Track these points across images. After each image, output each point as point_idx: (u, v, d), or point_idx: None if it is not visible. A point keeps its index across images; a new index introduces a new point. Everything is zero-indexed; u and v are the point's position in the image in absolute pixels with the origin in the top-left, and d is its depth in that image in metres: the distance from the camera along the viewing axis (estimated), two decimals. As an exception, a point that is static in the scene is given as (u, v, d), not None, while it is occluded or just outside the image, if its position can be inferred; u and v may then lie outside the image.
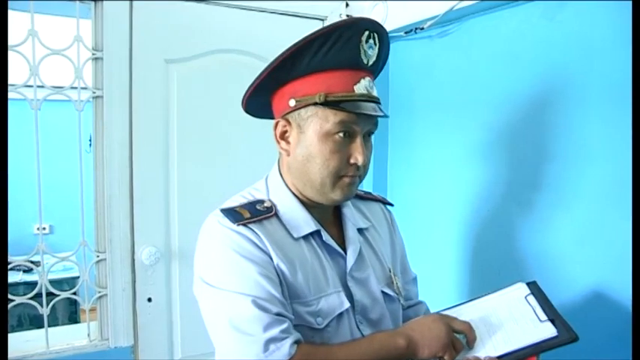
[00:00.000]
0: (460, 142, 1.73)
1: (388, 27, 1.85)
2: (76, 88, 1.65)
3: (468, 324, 1.01)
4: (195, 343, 1.88)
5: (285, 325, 0.90)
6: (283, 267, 0.96)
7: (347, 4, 2.02)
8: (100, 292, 1.74)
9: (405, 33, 1.87)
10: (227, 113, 1.84)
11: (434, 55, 1.82)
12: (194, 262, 1.03)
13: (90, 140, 1.75)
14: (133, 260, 1.76)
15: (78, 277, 1.84)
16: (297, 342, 0.90)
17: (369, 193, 1.25)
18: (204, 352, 1.89)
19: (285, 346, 0.88)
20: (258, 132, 1.90)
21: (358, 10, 2.02)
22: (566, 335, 0.94)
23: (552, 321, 0.98)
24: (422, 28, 1.77)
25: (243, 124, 1.86)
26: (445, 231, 1.79)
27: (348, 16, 2.01)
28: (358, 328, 1.03)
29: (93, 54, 1.65)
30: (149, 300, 1.80)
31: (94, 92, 1.66)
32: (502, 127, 1.58)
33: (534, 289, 1.08)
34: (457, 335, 0.99)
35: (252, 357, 0.88)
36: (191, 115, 1.82)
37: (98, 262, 1.72)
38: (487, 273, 1.64)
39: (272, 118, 1.07)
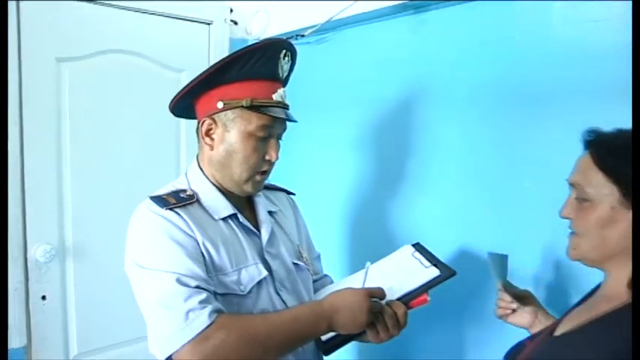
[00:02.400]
0: (336, 138, 1.98)
1: (270, 33, 2.07)
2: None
3: (381, 289, 1.15)
4: (91, 339, 1.91)
5: (203, 296, 1.00)
6: (208, 245, 1.09)
7: (231, 10, 2.17)
8: (-11, 292, 1.70)
9: (287, 39, 2.08)
10: (119, 111, 1.90)
11: (313, 60, 2.05)
12: (126, 245, 1.12)
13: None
14: (26, 258, 1.74)
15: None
16: (216, 311, 1.00)
17: (275, 185, 1.44)
18: (100, 346, 1.94)
19: (204, 315, 0.98)
20: (150, 129, 2.00)
21: (241, 16, 2.18)
22: (447, 273, 1.20)
23: (435, 265, 1.24)
24: (302, 35, 1.99)
25: (135, 121, 1.96)
26: (327, 216, 2.02)
27: (232, 20, 2.17)
28: (278, 294, 1.18)
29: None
30: (43, 298, 1.79)
31: (-20, 89, 1.63)
32: (372, 124, 1.85)
33: (418, 247, 1.35)
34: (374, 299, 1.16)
35: (174, 327, 0.98)
36: (83, 113, 1.84)
37: (-13, 261, 1.68)
38: (365, 249, 1.90)
39: (193, 118, 1.22)
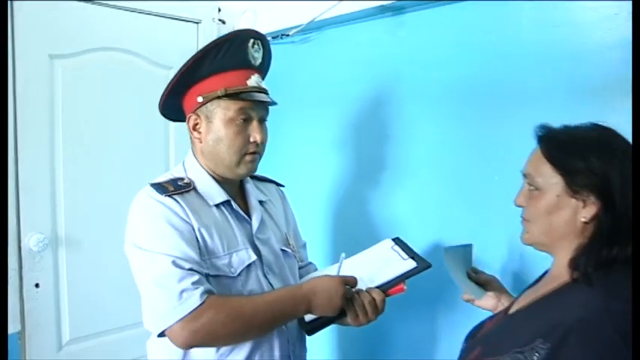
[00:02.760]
0: (319, 134, 2.06)
1: (257, 32, 2.13)
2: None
3: (354, 278, 1.24)
4: (83, 325, 1.98)
5: (195, 278, 1.09)
6: (202, 230, 1.18)
7: (219, 10, 2.24)
8: (-16, 280, 1.77)
9: (272, 38, 2.15)
10: (110, 106, 1.97)
11: (297, 59, 2.13)
12: (127, 228, 1.21)
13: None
14: (20, 248, 1.80)
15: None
16: (207, 292, 1.09)
17: (266, 177, 1.52)
18: (91, 332, 2.01)
19: (196, 295, 1.07)
20: (140, 124, 2.07)
21: (230, 16, 2.26)
22: (423, 265, 1.30)
23: (412, 258, 1.33)
24: (287, 35, 2.07)
25: (126, 116, 2.03)
26: (310, 209, 2.10)
27: (220, 20, 2.25)
28: (266, 277, 1.28)
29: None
30: (36, 286, 1.85)
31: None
32: (352, 121, 1.94)
33: (397, 241, 1.43)
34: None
35: (169, 305, 1.07)
36: (76, 108, 1.90)
37: (-18, 251, 1.75)
38: (347, 239, 1.99)
39: (184, 119, 1.30)
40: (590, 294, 0.86)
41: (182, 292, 1.07)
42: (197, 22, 2.21)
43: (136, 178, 1.95)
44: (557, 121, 1.00)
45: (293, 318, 1.24)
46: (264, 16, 2.12)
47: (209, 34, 2.22)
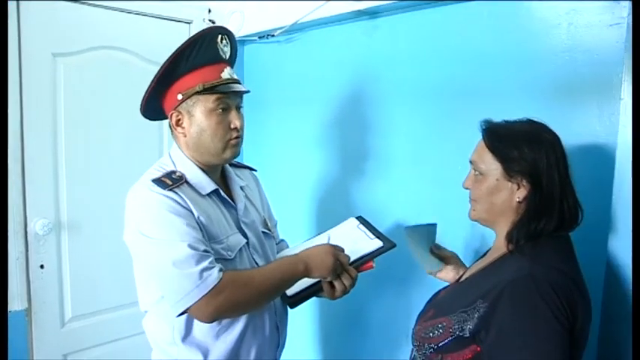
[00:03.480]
0: (304, 129, 2.22)
1: (244, 32, 2.29)
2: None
3: (346, 256, 1.37)
4: (84, 303, 2.14)
5: (211, 258, 1.20)
6: (202, 218, 1.27)
7: (209, 10, 2.39)
8: (-6, 261, 1.91)
9: (259, 38, 2.30)
10: (109, 100, 2.12)
11: (282, 58, 2.28)
12: (129, 221, 1.29)
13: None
14: (26, 232, 1.95)
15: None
16: (221, 270, 1.20)
17: (240, 163, 1.66)
18: (92, 310, 2.18)
19: (215, 273, 1.18)
20: (136, 117, 2.21)
21: (219, 16, 2.40)
22: (389, 244, 1.45)
23: (378, 237, 1.47)
24: (273, 35, 2.21)
25: (123, 109, 2.18)
26: (295, 197, 2.26)
27: (210, 20, 2.39)
28: (253, 258, 1.40)
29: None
30: (42, 267, 2.00)
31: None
32: (335, 115, 2.09)
33: (361, 220, 1.57)
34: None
35: (192, 284, 1.16)
36: (77, 102, 2.05)
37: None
38: (330, 225, 2.15)
39: (164, 118, 1.42)
40: (520, 261, 1.04)
41: (202, 271, 1.16)
42: (189, 23, 2.36)
43: (131, 167, 2.11)
44: (510, 117, 1.17)
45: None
46: (251, 17, 2.26)
47: (200, 33, 2.36)
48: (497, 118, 1.18)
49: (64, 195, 2.05)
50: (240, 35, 2.33)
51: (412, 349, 1.21)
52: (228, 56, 1.38)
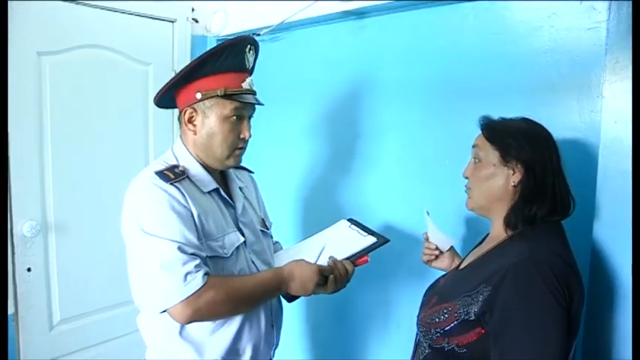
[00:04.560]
0: (292, 127, 2.26)
1: (228, 31, 2.31)
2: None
3: (329, 268, 1.41)
4: (72, 306, 2.12)
5: (197, 262, 1.21)
6: (200, 215, 1.29)
7: (193, 10, 2.40)
8: (-21, 265, 1.87)
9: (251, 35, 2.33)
10: (95, 99, 2.11)
11: (268, 57, 2.27)
12: (129, 213, 1.29)
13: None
14: (12, 234, 1.92)
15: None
16: (207, 274, 1.22)
17: (239, 165, 1.65)
18: (80, 312, 2.16)
19: (199, 277, 1.20)
20: (122, 116, 2.22)
21: (202, 15, 2.41)
22: (382, 240, 1.51)
23: (371, 234, 1.54)
24: (258, 34, 2.24)
25: (109, 108, 2.18)
26: (285, 193, 2.29)
27: (194, 19, 2.40)
28: (250, 257, 1.42)
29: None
30: (29, 270, 1.97)
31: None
32: (323, 113, 2.14)
33: (352, 221, 1.64)
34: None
35: (175, 286, 1.18)
36: (62, 101, 2.02)
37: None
38: (319, 222, 2.18)
39: (173, 107, 1.44)
40: (521, 245, 1.12)
41: (187, 274, 1.19)
42: (172, 21, 2.36)
43: (118, 167, 2.13)
44: (495, 114, 1.26)
45: (275, 296, 1.44)
46: (236, 16, 2.28)
47: (183, 32, 2.38)
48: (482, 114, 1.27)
49: (50, 196, 2.02)
50: (224, 34, 2.35)
51: (417, 335, 1.28)
52: (250, 66, 1.41)
